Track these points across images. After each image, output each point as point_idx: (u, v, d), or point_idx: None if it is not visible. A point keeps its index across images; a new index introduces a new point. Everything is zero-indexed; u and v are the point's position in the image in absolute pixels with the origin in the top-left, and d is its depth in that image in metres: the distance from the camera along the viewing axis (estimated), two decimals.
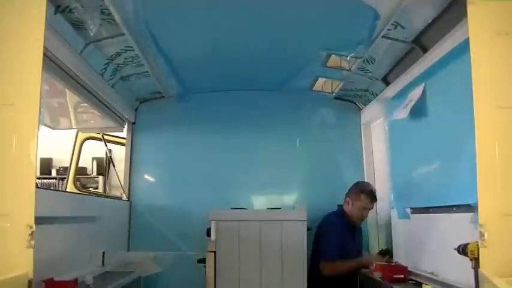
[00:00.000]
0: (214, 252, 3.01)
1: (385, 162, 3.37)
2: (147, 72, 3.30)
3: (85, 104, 3.26)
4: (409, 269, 2.73)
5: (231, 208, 3.26)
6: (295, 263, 3.00)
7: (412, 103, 2.65)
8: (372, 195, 3.30)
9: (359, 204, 3.31)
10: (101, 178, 6.97)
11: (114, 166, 4.55)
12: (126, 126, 3.98)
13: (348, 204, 3.36)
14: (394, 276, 2.66)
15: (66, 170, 7.30)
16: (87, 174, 7.28)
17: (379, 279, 2.77)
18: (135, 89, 3.72)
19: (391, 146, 3.26)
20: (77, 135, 4.74)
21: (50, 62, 2.37)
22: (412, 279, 2.65)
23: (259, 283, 2.99)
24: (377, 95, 3.54)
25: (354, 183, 3.47)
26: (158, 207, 3.81)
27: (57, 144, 6.34)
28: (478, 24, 1.58)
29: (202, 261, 3.17)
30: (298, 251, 2.99)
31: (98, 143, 4.70)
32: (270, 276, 3.00)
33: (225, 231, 3.04)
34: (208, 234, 3.15)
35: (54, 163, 7.36)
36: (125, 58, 3.04)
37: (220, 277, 2.99)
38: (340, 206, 3.43)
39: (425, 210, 2.65)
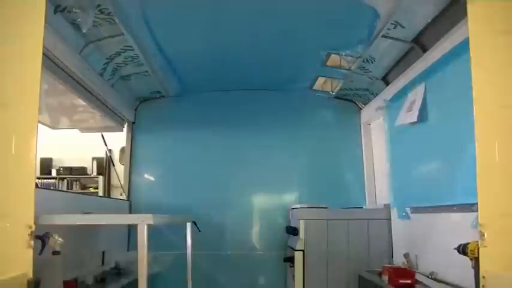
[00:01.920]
0: (303, 250, 3.03)
1: (385, 161, 3.37)
2: (146, 71, 3.30)
3: (84, 104, 3.25)
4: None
5: (311, 207, 3.29)
6: (381, 261, 3.01)
7: (418, 105, 2.61)
8: None
9: None
10: (101, 178, 6.95)
11: (114, 166, 4.55)
12: (126, 125, 3.99)
13: None
14: (401, 281, 2.50)
15: (66, 170, 7.31)
16: (87, 174, 7.27)
17: (384, 283, 2.66)
18: (135, 89, 3.72)
19: (391, 145, 3.25)
20: None
21: (50, 62, 2.37)
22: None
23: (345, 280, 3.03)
24: (377, 95, 3.54)
25: None
26: (158, 207, 3.81)
27: (57, 144, 6.32)
28: (478, 23, 1.57)
29: (288, 260, 3.19)
30: (384, 249, 3.01)
31: (97, 143, 4.69)
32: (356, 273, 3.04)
33: (313, 230, 3.09)
34: (291, 232, 3.17)
35: (54, 163, 7.34)
36: (125, 58, 3.04)
37: (309, 275, 3.02)
38: None
39: (425, 209, 2.64)
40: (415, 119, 2.63)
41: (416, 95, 2.67)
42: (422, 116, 2.65)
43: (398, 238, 3.16)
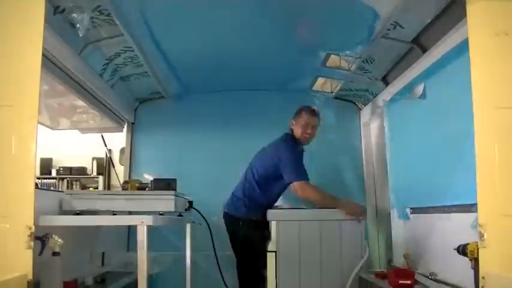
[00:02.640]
0: (275, 252, 3.01)
1: (385, 162, 3.37)
2: (146, 72, 3.30)
3: (84, 104, 3.26)
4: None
5: (290, 208, 3.29)
6: (354, 263, 2.99)
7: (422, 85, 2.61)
8: (310, 110, 3.25)
9: (301, 121, 3.22)
10: (101, 178, 6.96)
11: (113, 166, 4.56)
12: (125, 126, 3.99)
13: (293, 125, 3.26)
14: (400, 281, 2.49)
15: (66, 170, 7.32)
16: (87, 174, 7.28)
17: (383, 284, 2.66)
18: (135, 89, 3.72)
19: (390, 145, 3.26)
20: None
21: (49, 63, 2.37)
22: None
23: (319, 282, 2.99)
24: (376, 95, 3.54)
25: None
26: None
27: (57, 144, 6.33)
28: (477, 24, 1.57)
29: None
30: (357, 250, 2.99)
31: (97, 142, 4.70)
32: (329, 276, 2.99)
33: (285, 231, 3.04)
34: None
35: (54, 163, 7.35)
36: (124, 58, 3.04)
37: (281, 277, 2.99)
38: (286, 133, 3.30)
39: (425, 210, 2.64)
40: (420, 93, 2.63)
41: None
42: (422, 116, 2.66)
43: (398, 238, 3.16)
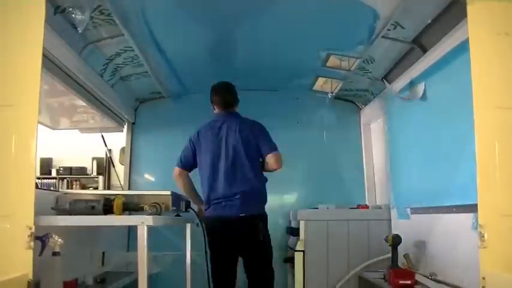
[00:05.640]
0: (303, 251, 3.03)
1: (385, 162, 3.37)
2: (146, 72, 3.30)
3: (84, 104, 3.26)
4: None
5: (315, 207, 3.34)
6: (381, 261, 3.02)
7: (423, 87, 2.60)
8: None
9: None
10: (101, 178, 6.96)
11: (114, 166, 4.56)
12: (125, 126, 3.99)
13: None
14: (401, 282, 2.50)
15: (66, 170, 7.33)
16: (87, 174, 7.27)
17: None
18: (135, 89, 3.72)
19: (391, 145, 3.26)
20: None
21: (50, 63, 2.37)
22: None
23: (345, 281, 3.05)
24: (377, 95, 3.54)
25: None
26: None
27: (57, 144, 6.32)
28: (477, 24, 1.58)
29: (288, 260, 3.19)
30: (385, 249, 3.02)
31: (97, 142, 4.69)
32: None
33: (314, 230, 3.13)
34: (291, 233, 3.18)
35: (54, 163, 7.35)
36: (125, 58, 3.04)
37: (309, 276, 3.02)
38: None
39: (426, 210, 2.64)
40: (419, 96, 2.63)
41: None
42: (422, 116, 2.66)
43: None
